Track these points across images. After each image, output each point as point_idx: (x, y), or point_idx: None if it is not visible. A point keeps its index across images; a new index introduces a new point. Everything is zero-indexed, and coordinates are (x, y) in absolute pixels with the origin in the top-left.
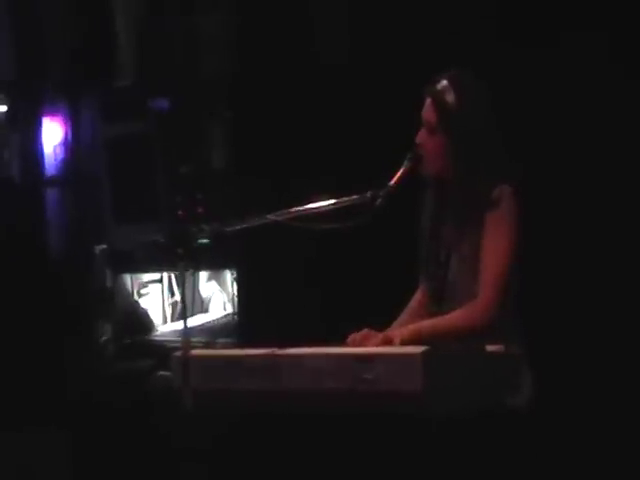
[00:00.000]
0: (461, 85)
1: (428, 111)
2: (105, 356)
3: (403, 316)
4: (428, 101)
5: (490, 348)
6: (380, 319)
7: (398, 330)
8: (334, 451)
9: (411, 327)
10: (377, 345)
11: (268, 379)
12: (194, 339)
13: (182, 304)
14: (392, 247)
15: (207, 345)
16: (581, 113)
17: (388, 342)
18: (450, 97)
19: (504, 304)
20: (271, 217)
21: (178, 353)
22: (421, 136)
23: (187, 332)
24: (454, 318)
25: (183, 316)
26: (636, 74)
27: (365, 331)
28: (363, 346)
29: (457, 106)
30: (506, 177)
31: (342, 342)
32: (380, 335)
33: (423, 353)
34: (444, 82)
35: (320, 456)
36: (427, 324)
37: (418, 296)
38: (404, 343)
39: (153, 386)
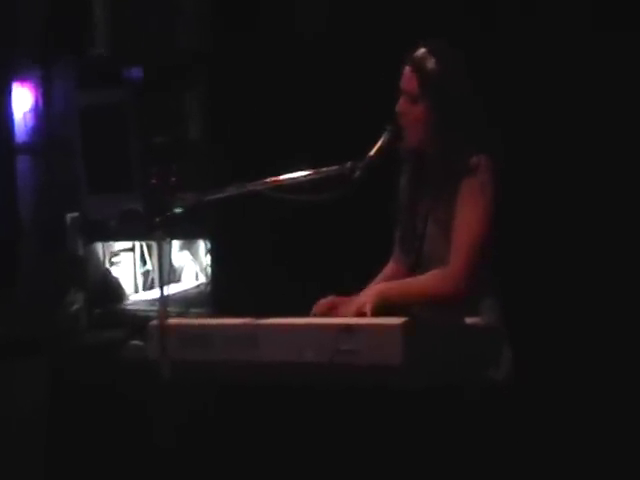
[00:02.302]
0: (440, 52)
1: (408, 80)
2: (77, 325)
3: (372, 285)
4: (407, 70)
5: (469, 320)
6: (354, 289)
7: (366, 294)
8: (313, 423)
9: (379, 290)
10: (351, 315)
11: (245, 350)
12: (168, 309)
13: (158, 273)
14: (369, 219)
15: (180, 315)
16: (561, 84)
17: (360, 310)
18: (430, 64)
19: (475, 274)
20: (249, 187)
21: (154, 322)
22: (402, 105)
23: (164, 301)
24: (423, 284)
25: (160, 285)
26: (617, 43)
27: (331, 298)
28: (331, 315)
29: (438, 72)
30: (484, 146)
31: (309, 311)
32: (352, 306)
33: (403, 324)
34: (423, 50)
35: (299, 428)
36: (395, 288)
37: (390, 267)
38: (375, 309)
39: (125, 355)
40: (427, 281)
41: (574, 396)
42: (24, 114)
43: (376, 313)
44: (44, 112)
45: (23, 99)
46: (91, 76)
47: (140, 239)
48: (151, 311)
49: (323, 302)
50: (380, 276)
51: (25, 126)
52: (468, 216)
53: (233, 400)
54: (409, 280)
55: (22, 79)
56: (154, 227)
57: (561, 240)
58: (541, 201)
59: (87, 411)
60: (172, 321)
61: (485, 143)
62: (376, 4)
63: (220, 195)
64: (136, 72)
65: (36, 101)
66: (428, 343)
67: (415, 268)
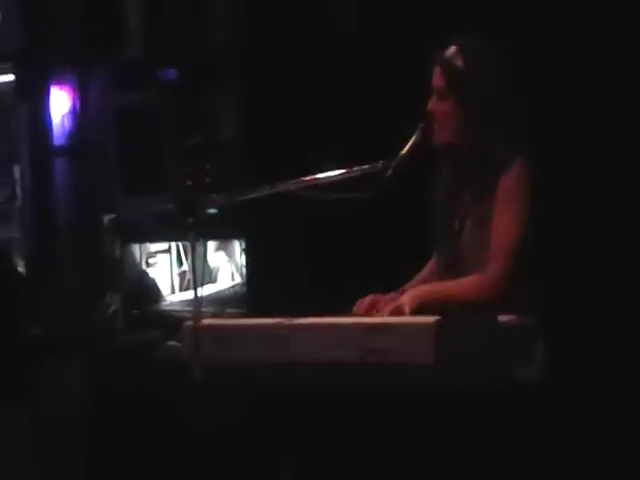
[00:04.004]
0: (470, 49)
1: (437, 78)
2: (114, 327)
3: (413, 283)
4: (437, 69)
5: (502, 318)
6: (389, 289)
7: (406, 295)
8: (343, 423)
9: (420, 292)
10: (388, 315)
11: (277, 349)
12: (203, 309)
13: (192, 274)
14: (402, 217)
15: (216, 315)
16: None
17: (399, 311)
18: (459, 62)
19: (515, 276)
20: (281, 187)
21: (188, 323)
22: (431, 104)
23: (198, 302)
24: (465, 287)
25: (193, 286)
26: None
27: (371, 297)
28: (372, 314)
29: (464, 70)
30: (520, 147)
31: (350, 311)
32: (390, 305)
33: (435, 324)
34: (453, 48)
35: (330, 428)
36: (437, 290)
37: (430, 266)
38: (414, 311)
39: (162, 356)
40: (466, 286)
41: (610, 395)
42: (62, 117)
43: (414, 315)
44: (81, 115)
45: (61, 102)
46: (126, 78)
47: (176, 240)
48: (187, 312)
49: (363, 302)
50: (421, 273)
51: (63, 129)
52: (506, 218)
53: (266, 399)
54: (448, 284)
55: (59, 83)
56: (187, 228)
57: (597, 237)
58: (578, 201)
59: (124, 411)
60: (205, 321)
61: (521, 143)
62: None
63: (253, 195)
64: (170, 73)
65: (73, 104)
66: (460, 342)
67: (451, 267)
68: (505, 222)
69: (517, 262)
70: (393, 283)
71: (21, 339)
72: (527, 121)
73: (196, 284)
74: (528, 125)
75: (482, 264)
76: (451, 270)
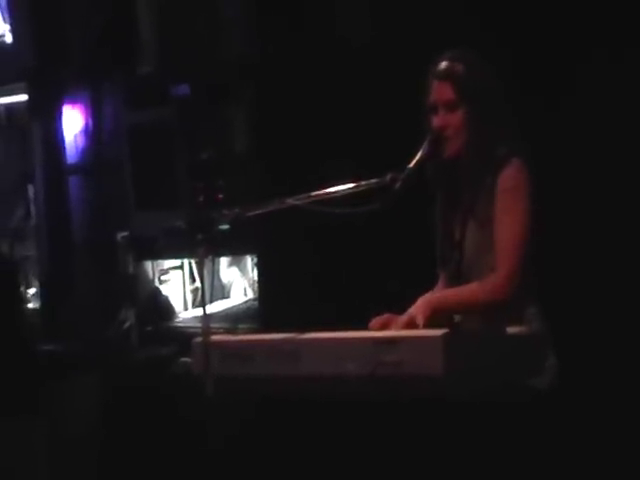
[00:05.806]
0: (464, 56)
1: (441, 91)
2: (129, 342)
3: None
4: (436, 83)
5: (512, 329)
6: (401, 303)
7: (418, 307)
8: (354, 436)
9: (429, 302)
10: (402, 327)
11: (288, 364)
12: (215, 325)
13: (202, 290)
14: (412, 230)
15: (228, 331)
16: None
17: (412, 323)
18: (459, 69)
19: (522, 276)
20: (291, 201)
21: (198, 339)
22: (440, 119)
23: (207, 318)
24: (475, 292)
25: (202, 302)
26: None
27: (387, 315)
28: (386, 329)
29: (469, 74)
30: (517, 147)
31: (363, 327)
32: (404, 318)
33: (444, 336)
34: (446, 60)
35: (340, 442)
36: (445, 298)
37: (440, 287)
38: (427, 320)
39: (175, 372)
40: (477, 290)
41: (621, 405)
42: (75, 135)
43: (428, 325)
44: (94, 132)
45: (74, 121)
46: (139, 95)
47: (188, 257)
48: (200, 328)
49: (378, 319)
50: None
51: (76, 147)
52: (508, 221)
53: (276, 414)
54: (458, 290)
55: (73, 101)
56: (197, 244)
57: (605, 242)
58: (584, 205)
59: (140, 426)
60: (216, 337)
61: (517, 142)
62: (420, 15)
63: (262, 210)
64: (183, 90)
65: (87, 122)
66: (470, 354)
67: (456, 276)
68: (508, 223)
69: (523, 262)
70: (405, 296)
71: (29, 353)
72: (518, 122)
73: (205, 300)
74: (520, 126)
75: (486, 267)
76: (456, 278)
